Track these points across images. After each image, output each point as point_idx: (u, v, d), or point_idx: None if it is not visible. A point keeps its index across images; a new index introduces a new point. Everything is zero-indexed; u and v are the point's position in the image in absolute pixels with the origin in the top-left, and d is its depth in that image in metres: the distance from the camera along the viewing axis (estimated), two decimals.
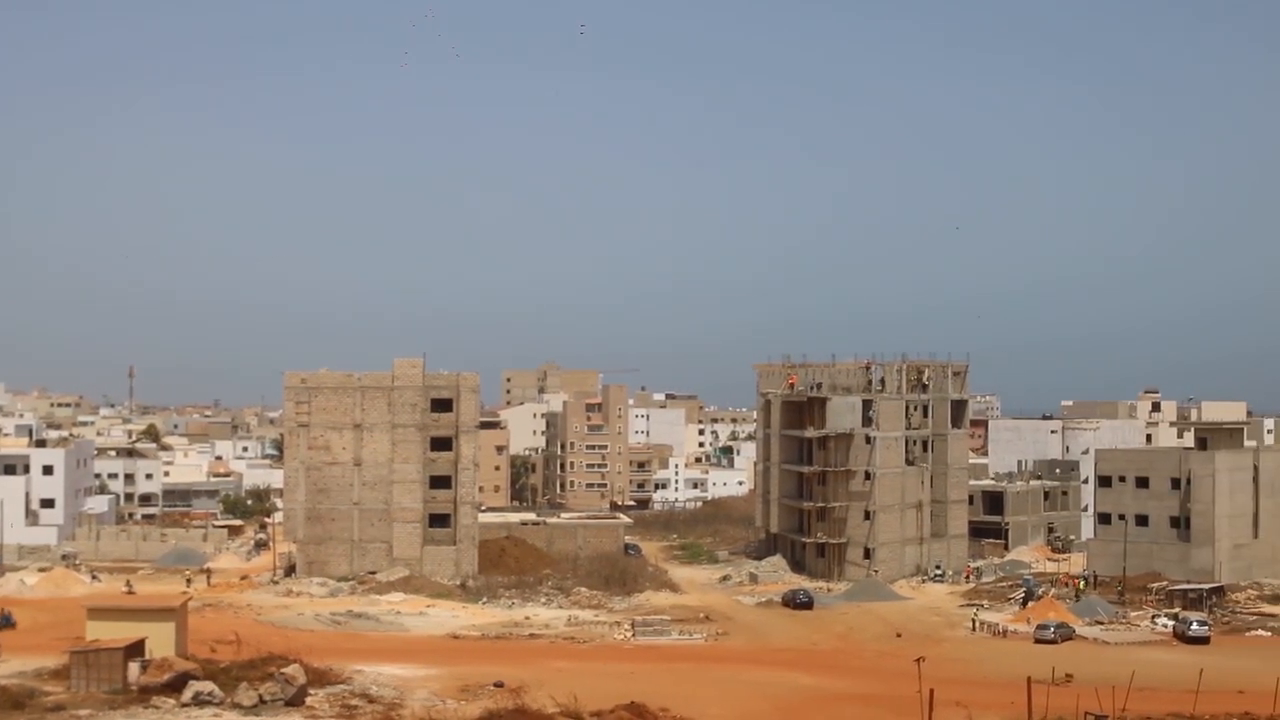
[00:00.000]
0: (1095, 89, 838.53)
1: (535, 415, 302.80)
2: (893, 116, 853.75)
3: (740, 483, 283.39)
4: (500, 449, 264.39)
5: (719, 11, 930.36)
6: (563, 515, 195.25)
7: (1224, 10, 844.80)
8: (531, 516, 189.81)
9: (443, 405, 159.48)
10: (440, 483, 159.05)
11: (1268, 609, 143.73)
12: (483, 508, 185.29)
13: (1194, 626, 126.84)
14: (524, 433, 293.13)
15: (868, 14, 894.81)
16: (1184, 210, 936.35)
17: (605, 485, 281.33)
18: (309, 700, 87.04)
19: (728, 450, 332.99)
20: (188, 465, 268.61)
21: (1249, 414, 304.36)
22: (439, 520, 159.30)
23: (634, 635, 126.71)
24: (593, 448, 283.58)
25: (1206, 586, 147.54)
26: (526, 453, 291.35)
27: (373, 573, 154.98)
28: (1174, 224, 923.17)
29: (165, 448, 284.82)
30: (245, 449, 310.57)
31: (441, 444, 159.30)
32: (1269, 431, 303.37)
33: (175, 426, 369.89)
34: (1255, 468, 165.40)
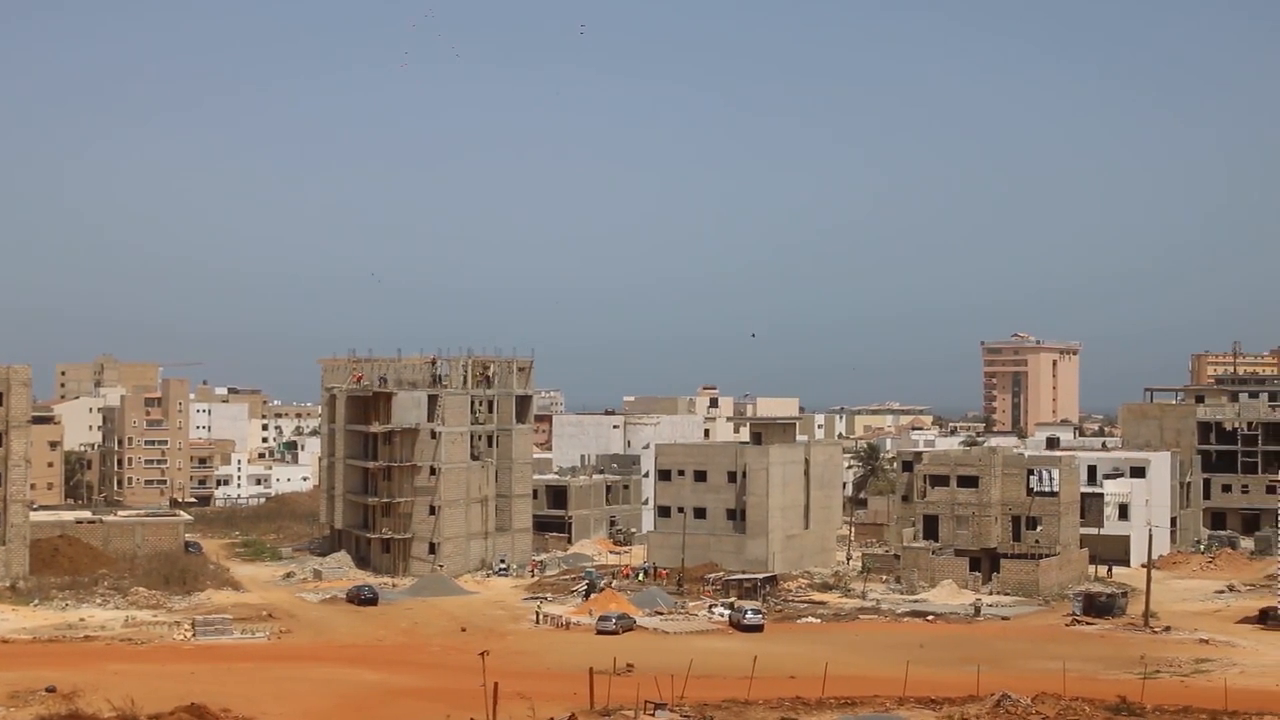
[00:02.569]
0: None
1: (91, 410, 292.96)
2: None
3: (305, 479, 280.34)
4: (54, 445, 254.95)
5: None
6: (120, 513, 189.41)
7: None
8: (87, 514, 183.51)
9: None
10: None
11: (818, 597, 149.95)
12: (34, 506, 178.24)
13: (749, 615, 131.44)
14: (79, 428, 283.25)
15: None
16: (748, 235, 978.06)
17: (165, 482, 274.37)
18: None
19: (292, 445, 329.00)
20: None
21: (801, 410, 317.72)
22: None
23: (194, 635, 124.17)
24: (152, 443, 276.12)
25: (761, 576, 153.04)
26: (82, 449, 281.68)
27: None
28: (753, 246, 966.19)
29: None
30: None
31: None
32: (820, 426, 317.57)
33: None
34: (807, 461, 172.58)
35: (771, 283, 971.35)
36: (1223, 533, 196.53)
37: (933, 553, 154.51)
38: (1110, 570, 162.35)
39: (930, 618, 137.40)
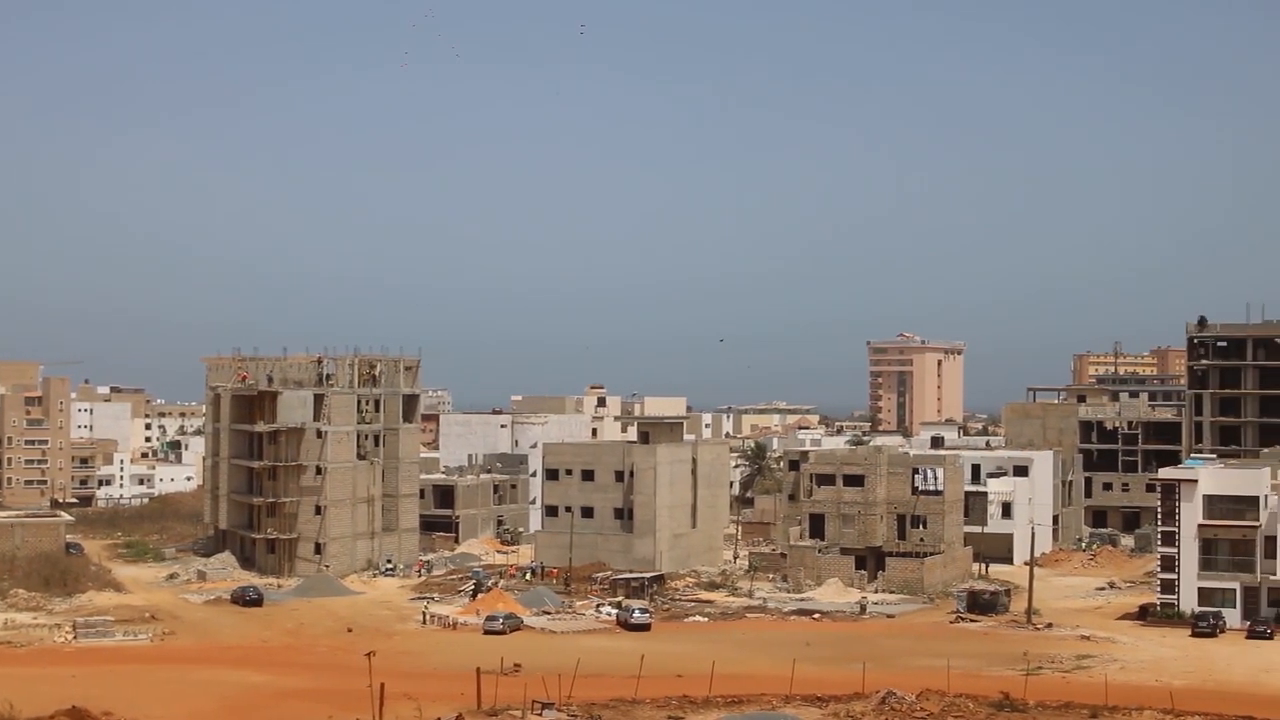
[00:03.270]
0: None
1: None
2: None
3: (189, 478, 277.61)
4: None
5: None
6: None
7: None
8: None
9: None
10: None
11: (705, 595, 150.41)
12: None
13: (636, 614, 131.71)
14: None
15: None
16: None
17: (46, 482, 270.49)
18: None
19: (176, 445, 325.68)
20: None
21: (689, 409, 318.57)
22: None
23: (76, 637, 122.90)
24: (32, 443, 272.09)
25: (648, 575, 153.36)
26: None
27: None
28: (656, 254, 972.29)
29: None
30: None
31: None
32: (707, 425, 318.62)
33: None
34: (694, 460, 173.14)
35: (673, 290, 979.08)
36: (1104, 530, 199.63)
37: (819, 551, 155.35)
38: (987, 567, 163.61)
39: (816, 616, 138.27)
